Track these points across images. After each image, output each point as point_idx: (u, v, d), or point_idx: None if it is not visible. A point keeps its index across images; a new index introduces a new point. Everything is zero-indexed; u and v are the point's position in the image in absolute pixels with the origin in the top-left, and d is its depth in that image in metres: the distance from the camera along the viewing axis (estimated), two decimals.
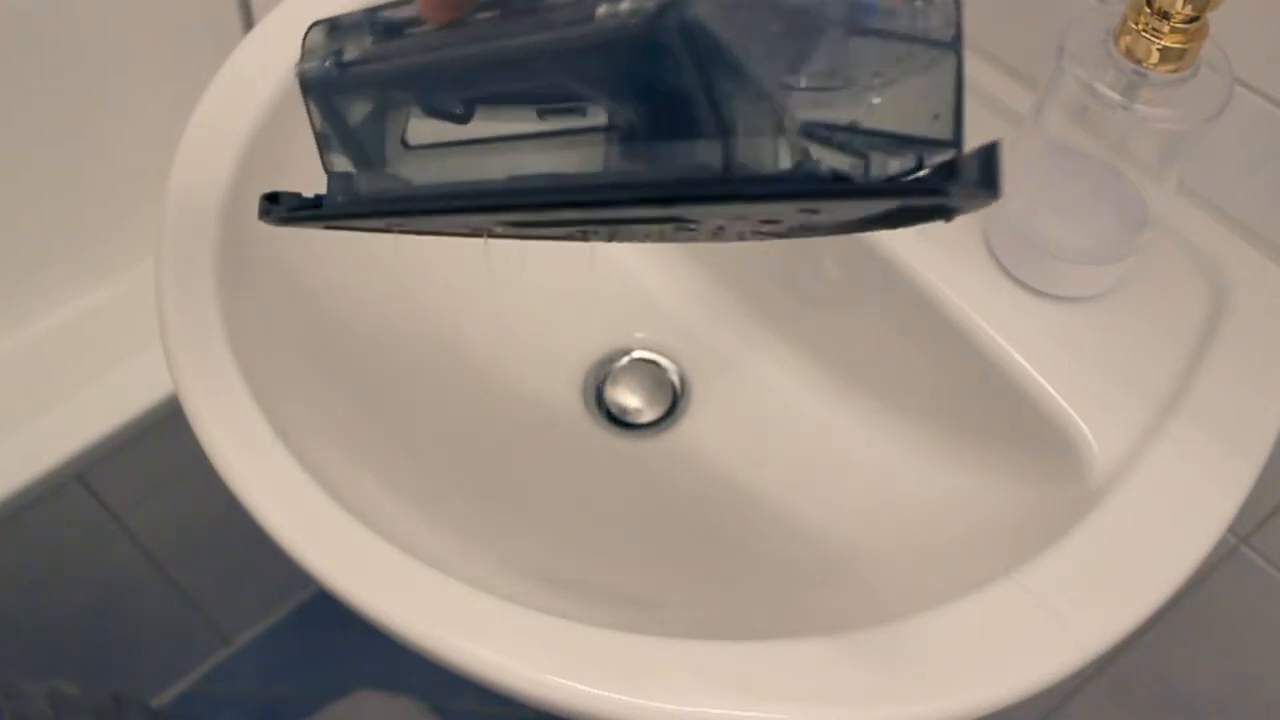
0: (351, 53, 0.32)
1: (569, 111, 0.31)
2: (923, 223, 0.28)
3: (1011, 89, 0.55)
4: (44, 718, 0.56)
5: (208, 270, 0.47)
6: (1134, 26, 0.41)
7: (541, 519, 0.54)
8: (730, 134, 0.26)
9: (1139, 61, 0.41)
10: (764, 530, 0.53)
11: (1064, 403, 0.45)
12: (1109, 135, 0.45)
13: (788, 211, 0.28)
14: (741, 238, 0.36)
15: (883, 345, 0.54)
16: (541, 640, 0.38)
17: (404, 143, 0.34)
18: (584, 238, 0.39)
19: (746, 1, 0.26)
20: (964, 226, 0.50)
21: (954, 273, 0.49)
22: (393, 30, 0.32)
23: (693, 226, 0.32)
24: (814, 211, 0.28)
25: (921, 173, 0.27)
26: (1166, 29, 0.40)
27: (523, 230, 0.37)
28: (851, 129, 0.28)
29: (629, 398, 0.59)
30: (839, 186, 0.27)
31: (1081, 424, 0.45)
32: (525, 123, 0.32)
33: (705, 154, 0.27)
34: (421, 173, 0.34)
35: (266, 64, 0.53)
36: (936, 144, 0.28)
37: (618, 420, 0.59)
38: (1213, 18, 0.40)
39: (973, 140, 0.25)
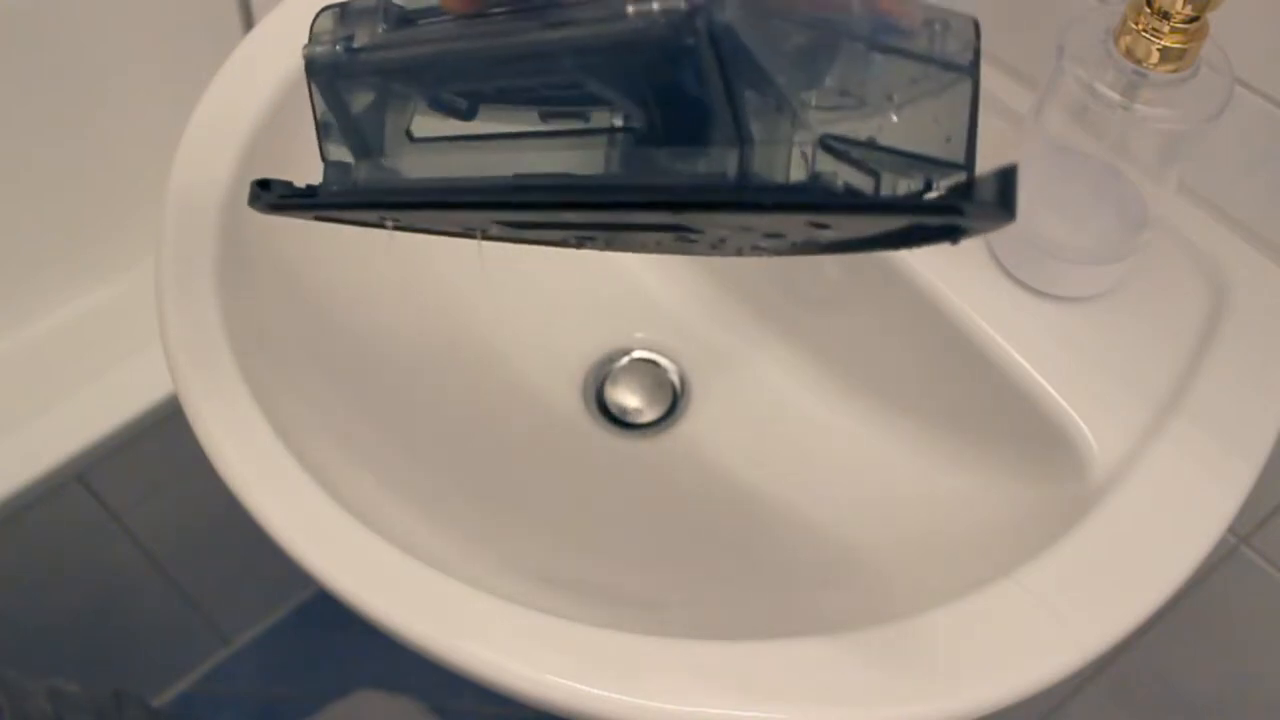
0: (362, 39, 0.32)
1: (576, 113, 0.31)
2: (929, 244, 0.28)
3: (1011, 89, 0.55)
4: (44, 715, 0.55)
5: (208, 270, 0.47)
6: (1134, 26, 0.41)
7: (541, 519, 0.54)
8: (748, 142, 0.26)
9: (1139, 61, 0.41)
10: (764, 530, 0.53)
11: (1064, 403, 0.45)
12: (1109, 135, 0.45)
13: (797, 225, 0.28)
14: (740, 252, 0.36)
15: (882, 345, 0.54)
16: (541, 640, 0.38)
17: (409, 135, 0.34)
18: (579, 245, 0.38)
19: (775, 11, 0.26)
20: None
21: (954, 273, 0.49)
22: (407, 19, 0.31)
23: (694, 237, 0.32)
24: (823, 226, 0.28)
25: (935, 192, 0.27)
26: (1166, 29, 0.40)
27: (518, 232, 0.36)
28: (869, 145, 0.28)
29: (629, 398, 0.59)
30: (858, 200, 0.27)
31: (1081, 424, 0.45)
32: (531, 122, 0.32)
33: (721, 161, 0.26)
34: (423, 167, 0.33)
35: (266, 64, 0.53)
36: (948, 166, 0.28)
37: (618, 420, 0.59)
38: (1213, 18, 0.40)
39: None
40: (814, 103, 0.28)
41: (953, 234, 0.27)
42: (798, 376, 0.57)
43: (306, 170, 0.35)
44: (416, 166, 0.33)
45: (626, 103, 0.28)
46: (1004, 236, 0.49)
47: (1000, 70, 0.56)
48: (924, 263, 0.49)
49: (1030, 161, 0.48)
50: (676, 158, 0.28)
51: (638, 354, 0.61)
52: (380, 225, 0.37)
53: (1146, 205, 0.47)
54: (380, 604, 0.39)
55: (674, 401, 0.59)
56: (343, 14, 0.33)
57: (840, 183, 0.27)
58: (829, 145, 0.27)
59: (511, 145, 0.32)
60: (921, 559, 0.48)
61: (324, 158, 0.34)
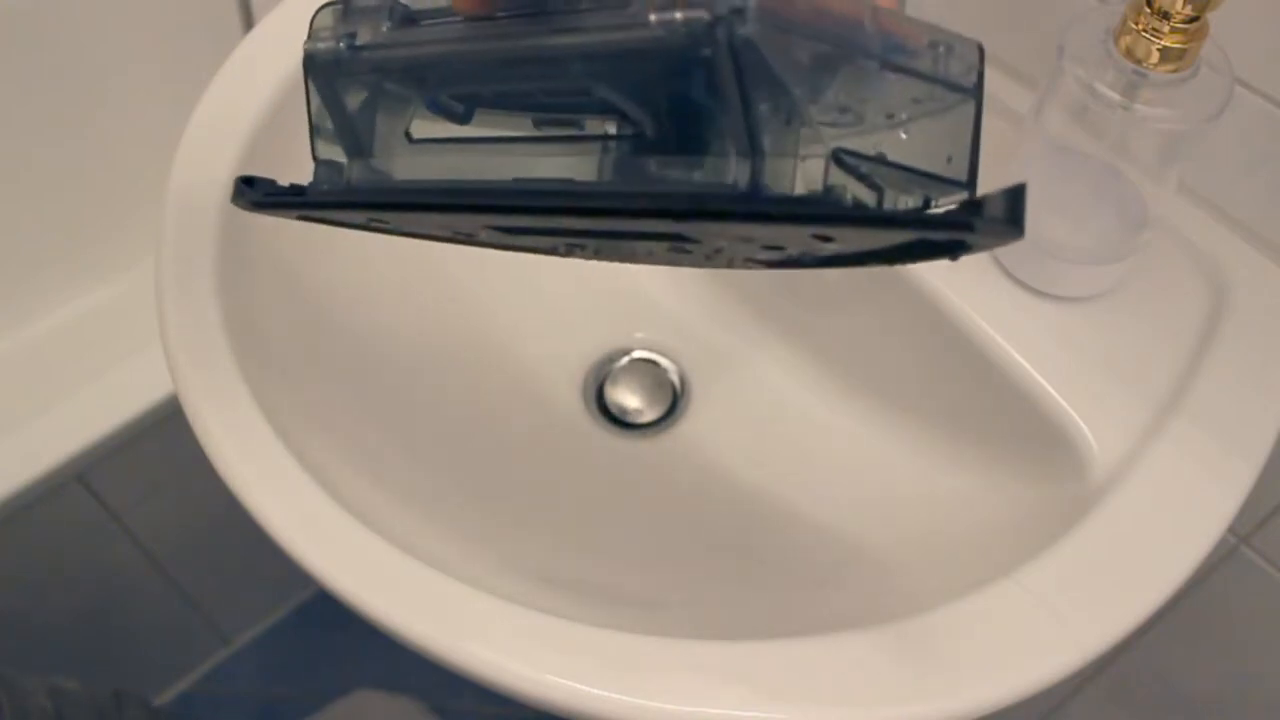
0: (365, 36, 0.32)
1: (571, 120, 0.31)
2: (928, 260, 0.29)
3: (1011, 89, 0.55)
4: (44, 713, 0.55)
5: (208, 270, 0.47)
6: (1134, 26, 0.41)
7: (541, 519, 0.54)
8: (760, 153, 0.26)
9: (1139, 61, 0.41)
10: (764, 530, 0.53)
11: (1064, 403, 0.45)
12: (1109, 135, 0.45)
13: (800, 237, 0.28)
14: (731, 264, 0.36)
15: (882, 345, 0.54)
16: (541, 640, 0.38)
17: (407, 136, 0.33)
18: (567, 253, 0.38)
19: (792, 25, 0.26)
20: None
21: (954, 273, 0.49)
22: (411, 19, 0.31)
23: (689, 247, 0.32)
24: (827, 239, 0.28)
25: (946, 208, 0.28)
26: (1166, 29, 0.40)
27: (509, 238, 0.36)
28: (879, 160, 0.28)
29: (629, 398, 0.59)
30: (871, 214, 0.27)
31: (1081, 424, 0.45)
32: (526, 128, 0.32)
33: (732, 170, 0.27)
34: (418, 168, 0.33)
35: (266, 64, 0.53)
36: (950, 184, 0.28)
37: (618, 420, 0.59)
38: (1213, 18, 0.40)
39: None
40: (825, 116, 0.28)
41: (953, 250, 0.27)
42: (798, 376, 0.57)
43: (306, 170, 0.35)
44: (411, 168, 0.33)
45: (636, 110, 0.28)
46: None
47: (1000, 70, 0.56)
48: (924, 264, 0.49)
49: (1030, 161, 0.48)
50: (685, 166, 0.28)
51: (638, 354, 0.60)
52: (367, 227, 0.37)
53: (1146, 205, 0.47)
54: (380, 604, 0.39)
55: (674, 401, 0.59)
56: (345, 11, 0.32)
57: (850, 196, 0.27)
58: (841, 159, 0.27)
59: (510, 149, 0.32)
60: (921, 559, 0.48)
61: (315, 156, 0.34)
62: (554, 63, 0.28)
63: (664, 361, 0.60)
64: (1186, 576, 0.40)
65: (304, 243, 0.51)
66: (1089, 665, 0.38)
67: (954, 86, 0.29)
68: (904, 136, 0.28)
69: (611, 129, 0.30)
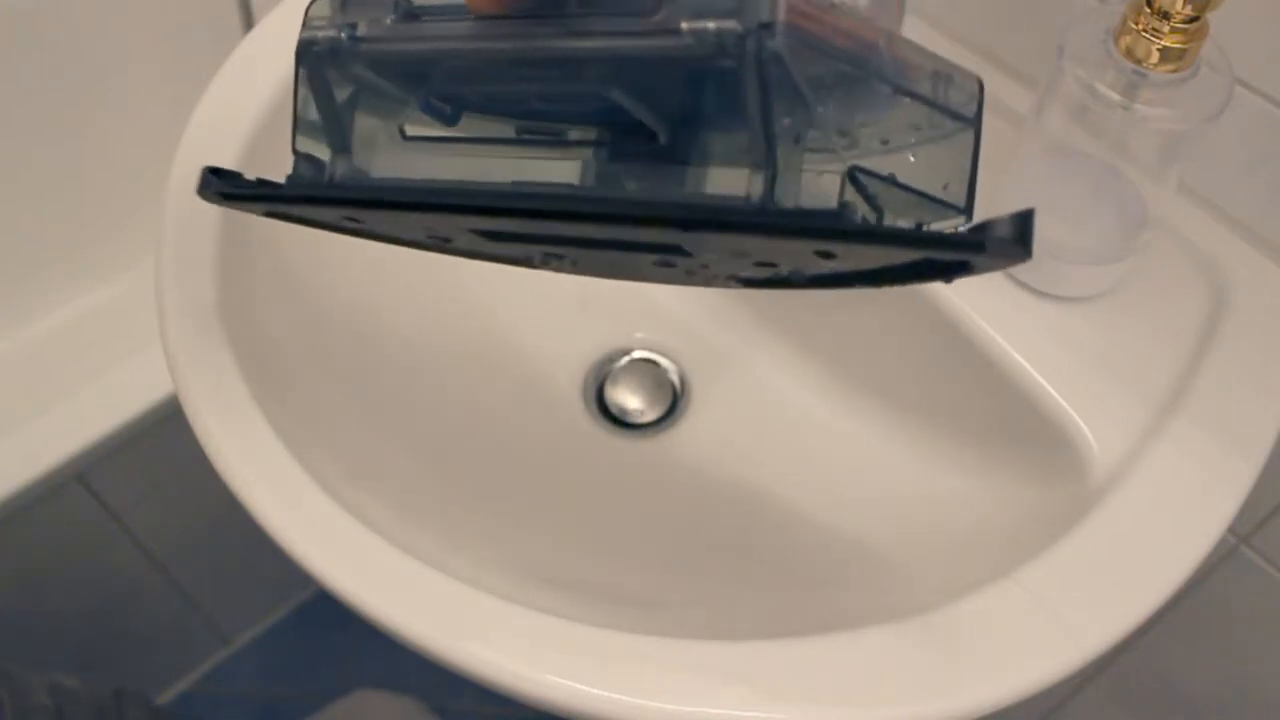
0: (365, 28, 0.31)
1: (557, 129, 0.31)
2: (923, 281, 0.29)
3: (1011, 89, 0.55)
4: (45, 710, 0.55)
5: (208, 270, 0.47)
6: (1134, 26, 0.41)
7: (541, 519, 0.54)
8: (775, 167, 0.27)
9: (1139, 61, 0.41)
10: (764, 530, 0.53)
11: (1064, 403, 0.45)
12: (1109, 135, 0.45)
13: (802, 253, 0.29)
14: (710, 282, 0.36)
15: (882, 345, 0.54)
16: (541, 640, 0.38)
17: (401, 133, 0.33)
18: (543, 263, 0.38)
19: (815, 44, 0.26)
20: None
21: None
22: (415, 14, 0.31)
23: (676, 261, 0.32)
24: (829, 256, 0.28)
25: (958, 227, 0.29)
26: (1166, 29, 0.40)
27: (486, 245, 0.36)
28: (890, 181, 0.29)
29: (629, 398, 0.59)
30: (890, 232, 0.28)
31: (1081, 424, 0.45)
32: (515, 134, 0.32)
33: (745, 183, 0.27)
34: (409, 168, 0.33)
35: (266, 64, 0.53)
36: (948, 208, 0.29)
37: (618, 420, 0.59)
38: (1213, 18, 0.40)
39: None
40: (843, 135, 0.28)
41: (954, 271, 0.28)
42: (798, 377, 0.57)
43: None
44: (400, 167, 0.33)
45: (651, 117, 0.28)
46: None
47: (1000, 70, 0.56)
48: None
49: (1030, 161, 0.48)
50: (696, 175, 0.28)
51: (638, 354, 0.60)
52: (339, 227, 0.36)
53: (1146, 205, 0.47)
54: (380, 604, 0.39)
55: (674, 401, 0.59)
56: (344, 2, 0.32)
57: (860, 214, 0.28)
58: (855, 177, 0.28)
59: (502, 152, 0.32)
60: (921, 559, 0.48)
61: (295, 149, 0.34)
62: (570, 65, 0.28)
63: (664, 361, 0.60)
64: (1186, 576, 0.40)
65: (305, 243, 0.51)
66: (1089, 665, 0.38)
67: (955, 115, 0.30)
68: (912, 160, 0.29)
69: (593, 136, 0.30)
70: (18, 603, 0.91)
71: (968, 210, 0.29)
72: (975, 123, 0.30)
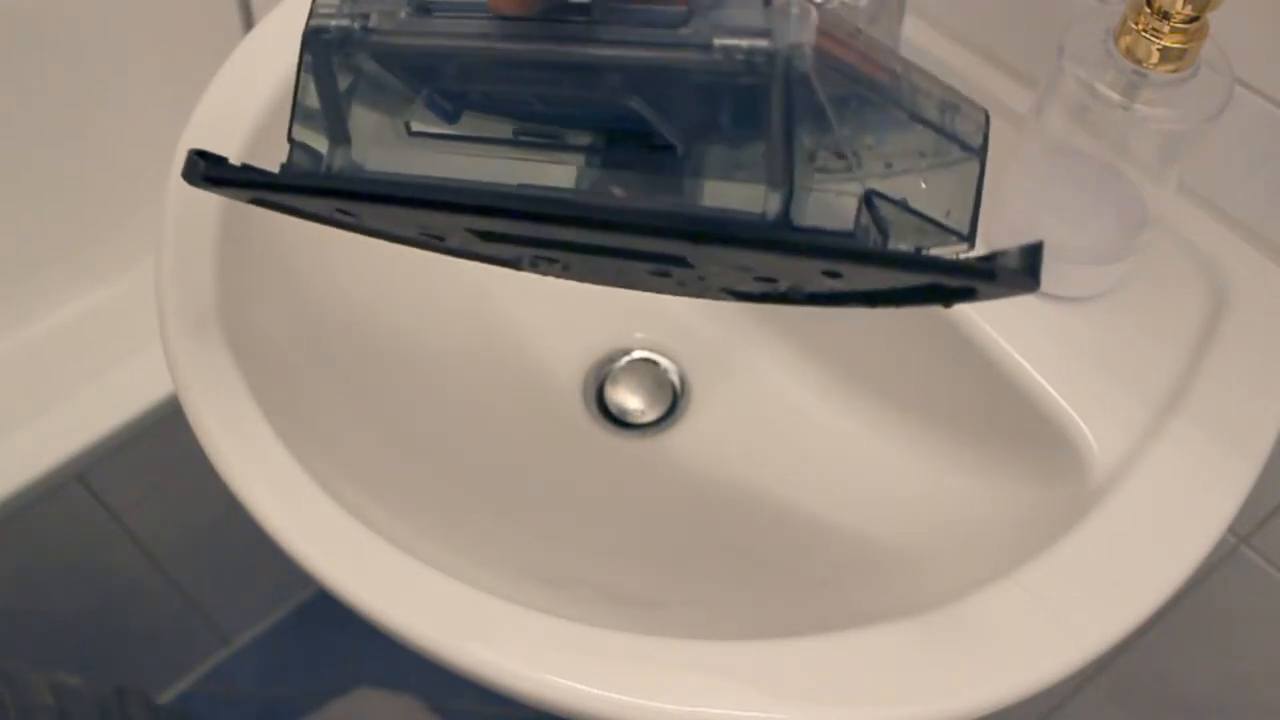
0: (378, 20, 0.31)
1: (559, 134, 0.31)
2: (924, 305, 0.30)
3: (1011, 89, 0.55)
4: (47, 709, 0.56)
5: (208, 271, 0.47)
6: (1134, 26, 0.41)
7: (542, 519, 0.54)
8: (792, 185, 0.27)
9: (1139, 61, 0.41)
10: (764, 530, 0.53)
11: (1064, 403, 0.45)
12: (1109, 135, 0.45)
13: (808, 271, 0.29)
14: (703, 294, 0.36)
15: (882, 345, 0.54)
16: (541, 640, 0.38)
17: (407, 128, 0.33)
18: (532, 266, 0.38)
19: (840, 67, 0.27)
20: None
21: None
22: (432, 8, 0.31)
23: (672, 271, 0.32)
24: (835, 275, 0.28)
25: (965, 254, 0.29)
26: (1166, 29, 0.40)
27: (478, 245, 0.36)
28: (902, 206, 0.29)
29: (629, 398, 0.59)
30: (904, 257, 0.28)
31: (1081, 424, 0.45)
32: (524, 133, 0.31)
33: (761, 199, 0.27)
34: (409, 163, 0.32)
35: (266, 64, 0.53)
36: (950, 234, 0.30)
37: (618, 420, 0.59)
38: (1213, 18, 0.40)
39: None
40: (861, 157, 0.29)
41: (956, 298, 0.28)
42: (798, 376, 0.57)
43: None
44: (397, 161, 0.33)
45: (669, 128, 0.29)
46: (1004, 237, 0.49)
47: (1000, 70, 0.56)
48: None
49: (1030, 161, 0.48)
50: (700, 188, 0.29)
51: (638, 354, 0.61)
52: (329, 219, 0.36)
53: (1146, 205, 0.47)
54: (380, 604, 0.39)
55: (674, 401, 0.59)
56: None
57: (873, 237, 0.28)
58: (871, 200, 0.28)
59: (505, 153, 0.32)
60: (921, 559, 0.48)
61: (290, 138, 0.33)
62: (588, 71, 0.28)
63: (664, 361, 0.60)
64: (1186, 576, 0.40)
65: (305, 243, 0.51)
66: (1089, 665, 0.38)
67: (963, 144, 0.30)
68: (923, 186, 0.30)
69: (588, 141, 0.30)
70: (18, 603, 0.91)
71: (970, 238, 0.30)
72: (981, 153, 0.30)
